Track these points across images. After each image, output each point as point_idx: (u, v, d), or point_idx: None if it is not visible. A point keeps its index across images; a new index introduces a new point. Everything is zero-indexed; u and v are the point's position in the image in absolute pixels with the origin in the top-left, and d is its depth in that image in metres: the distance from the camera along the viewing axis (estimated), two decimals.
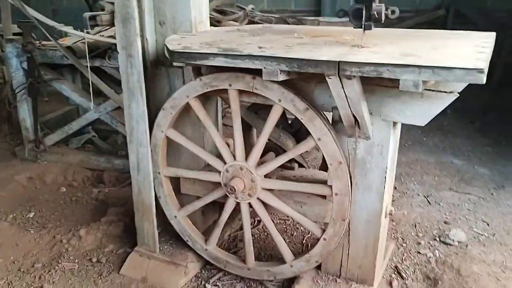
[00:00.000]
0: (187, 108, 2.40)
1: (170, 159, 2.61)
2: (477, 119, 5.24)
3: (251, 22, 4.86)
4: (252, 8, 4.91)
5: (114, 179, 3.76)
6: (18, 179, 3.76)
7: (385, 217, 2.35)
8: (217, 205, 2.78)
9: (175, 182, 2.63)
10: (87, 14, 2.50)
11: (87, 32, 3.00)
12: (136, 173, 2.54)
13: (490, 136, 4.73)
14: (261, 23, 4.84)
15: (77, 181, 3.82)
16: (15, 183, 3.71)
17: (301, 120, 2.09)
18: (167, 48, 2.12)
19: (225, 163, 2.33)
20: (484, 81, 1.52)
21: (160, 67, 2.52)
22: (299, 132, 2.62)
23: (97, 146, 4.36)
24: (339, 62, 1.70)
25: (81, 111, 4.38)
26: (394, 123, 2.11)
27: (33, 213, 3.33)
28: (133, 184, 2.59)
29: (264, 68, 1.86)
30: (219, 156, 2.38)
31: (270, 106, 2.16)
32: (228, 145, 2.39)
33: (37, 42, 3.69)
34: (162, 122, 2.40)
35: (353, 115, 1.98)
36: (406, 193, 3.59)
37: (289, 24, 4.99)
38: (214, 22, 4.44)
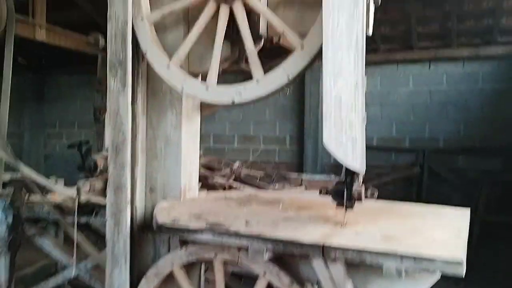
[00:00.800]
0: (170, 275, 2.37)
1: None
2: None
3: (238, 178, 5.06)
4: (239, 165, 5.15)
5: None
6: None
7: None
8: None
9: None
10: (81, 183, 2.63)
11: (78, 195, 3.07)
12: None
13: None
14: (247, 180, 5.04)
15: None
16: None
17: None
18: (156, 221, 2.17)
19: None
20: (463, 274, 1.57)
21: (147, 232, 2.55)
22: None
23: None
24: (323, 246, 1.76)
25: (60, 266, 4.24)
26: None
27: None
28: None
29: (250, 246, 1.91)
30: None
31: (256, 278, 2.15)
32: None
33: (25, 196, 3.73)
34: None
35: None
36: None
37: (273, 180, 5.20)
38: (202, 178, 4.61)
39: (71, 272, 3.65)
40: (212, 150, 8.89)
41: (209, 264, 2.45)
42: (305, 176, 5.47)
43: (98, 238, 4.05)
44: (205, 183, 4.49)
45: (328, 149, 1.86)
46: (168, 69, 2.31)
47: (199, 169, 4.86)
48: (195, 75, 2.44)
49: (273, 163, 8.80)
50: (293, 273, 2.12)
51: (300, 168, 8.41)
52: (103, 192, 2.84)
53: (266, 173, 5.45)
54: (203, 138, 9.22)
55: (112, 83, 2.36)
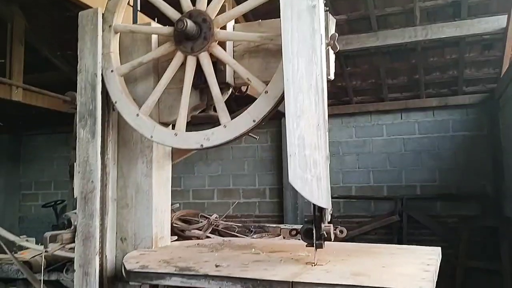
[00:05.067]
0: None
1: None
2: None
3: (215, 230, 5.00)
4: (216, 218, 5.11)
5: None
6: None
7: None
8: None
9: None
10: (48, 234, 2.58)
11: (46, 251, 3.01)
12: None
13: None
14: (225, 232, 4.99)
15: None
16: None
17: None
18: (124, 268, 2.13)
19: None
20: None
21: (118, 283, 2.49)
22: None
23: None
24: (292, 282, 1.75)
25: None
26: None
27: None
28: None
29: None
30: None
31: None
32: None
33: None
34: None
35: None
36: None
37: (252, 231, 5.15)
38: (178, 232, 4.54)
39: None
40: (192, 205, 8.81)
41: None
42: (283, 226, 5.44)
43: None
44: (182, 236, 4.43)
45: (294, 187, 1.89)
46: (138, 118, 2.36)
47: (176, 222, 4.83)
48: (165, 125, 2.49)
49: (254, 216, 8.75)
50: None
51: (281, 221, 8.38)
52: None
53: (244, 225, 5.40)
54: (182, 193, 9.22)
55: (81, 133, 2.39)
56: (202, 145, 2.22)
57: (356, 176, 8.30)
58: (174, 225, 4.79)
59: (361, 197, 8.20)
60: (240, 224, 5.19)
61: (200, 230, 4.87)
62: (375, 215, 8.03)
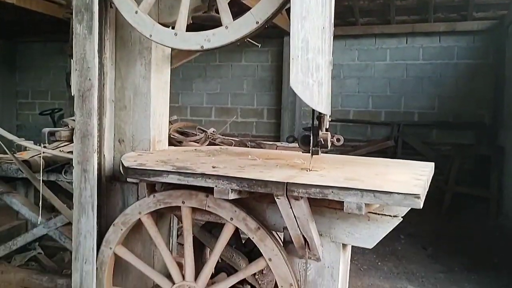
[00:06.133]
0: (138, 225, 2.37)
1: (116, 278, 2.50)
2: (430, 245, 5.35)
3: (212, 144, 5.04)
4: (213, 131, 5.13)
5: None
6: None
7: None
8: None
9: None
10: (46, 130, 2.57)
11: (45, 147, 3.04)
12: None
13: (443, 262, 4.79)
14: (222, 145, 5.02)
15: None
16: None
17: (252, 240, 2.10)
18: (122, 165, 2.16)
19: (173, 283, 2.25)
20: (421, 206, 1.61)
21: (115, 182, 2.54)
22: (253, 252, 2.60)
23: (41, 264, 4.11)
24: (286, 183, 1.78)
25: (30, 226, 4.21)
26: (344, 245, 2.15)
27: None
28: None
29: (216, 186, 1.92)
30: (169, 276, 2.30)
31: (223, 225, 2.17)
32: (181, 265, 2.33)
33: None
34: (112, 238, 2.34)
35: (303, 236, 2.01)
36: None
37: (248, 147, 5.20)
38: (176, 143, 4.58)
39: (40, 231, 3.62)
40: (189, 122, 8.84)
41: (180, 217, 2.46)
42: (280, 144, 5.49)
43: (69, 198, 4.02)
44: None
45: (295, 92, 1.86)
46: (137, 15, 2.26)
47: (173, 134, 4.85)
48: (165, 26, 2.40)
49: (250, 136, 8.82)
50: (260, 219, 2.15)
51: (277, 142, 8.45)
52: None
53: (241, 141, 5.45)
54: (180, 110, 9.22)
55: (78, 28, 2.31)
56: (202, 46, 2.16)
57: (355, 100, 8.26)
58: (171, 136, 4.82)
59: (358, 121, 8.22)
60: (237, 139, 5.23)
61: (197, 142, 4.92)
62: (371, 140, 8.10)
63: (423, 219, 5.98)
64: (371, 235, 2.05)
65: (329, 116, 2.06)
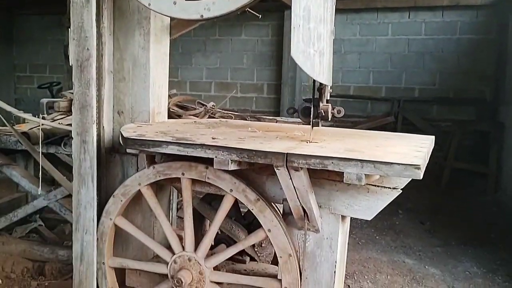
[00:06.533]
0: (138, 196, 2.38)
1: (117, 248, 2.52)
2: (428, 219, 5.39)
3: (211, 117, 5.03)
4: (213, 105, 5.10)
5: (57, 271, 3.53)
6: None
7: None
8: None
9: (120, 273, 2.51)
10: (44, 100, 2.55)
11: (43, 118, 3.02)
12: (78, 263, 2.42)
13: (440, 236, 4.83)
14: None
15: (16, 273, 3.55)
16: None
17: (252, 211, 2.11)
18: (122, 135, 2.15)
19: (173, 253, 2.27)
20: (421, 177, 1.61)
21: (115, 154, 2.54)
22: (252, 225, 2.62)
23: (42, 236, 4.15)
24: (287, 154, 1.77)
25: (30, 198, 4.23)
26: (343, 217, 2.16)
27: None
28: (74, 275, 2.45)
29: (216, 157, 1.91)
30: (168, 247, 2.32)
31: (223, 197, 2.18)
32: (181, 237, 2.35)
33: None
34: (112, 209, 2.35)
35: (302, 207, 2.02)
36: None
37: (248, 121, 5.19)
38: (175, 117, 4.56)
39: (41, 203, 3.64)
40: (189, 96, 8.80)
41: (179, 189, 2.46)
42: (280, 118, 5.48)
43: (68, 170, 4.03)
44: None
45: (296, 62, 1.84)
46: None
47: (172, 108, 4.83)
48: None
49: (250, 111, 8.78)
50: (260, 191, 2.15)
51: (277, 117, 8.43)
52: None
53: (240, 115, 5.43)
54: (179, 84, 9.16)
55: None
56: (202, 16, 2.12)
57: (356, 75, 8.19)
58: (171, 110, 4.80)
59: (358, 97, 8.18)
60: (237, 113, 5.21)
61: (197, 116, 4.90)
62: (371, 116, 8.07)
63: (422, 194, 6.01)
64: (370, 206, 2.06)
65: (330, 88, 2.04)
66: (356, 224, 4.89)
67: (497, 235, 4.91)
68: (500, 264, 4.12)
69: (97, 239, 2.37)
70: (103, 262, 2.40)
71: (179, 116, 4.64)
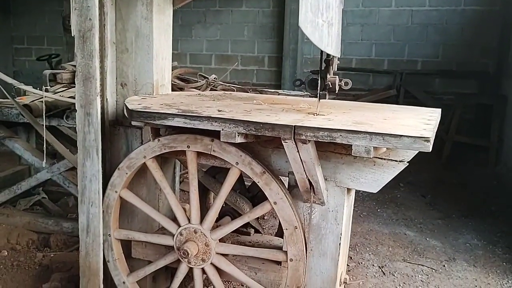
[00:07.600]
0: (143, 169, 2.37)
1: (122, 221, 2.53)
2: (429, 193, 5.42)
3: (213, 90, 4.98)
4: (215, 78, 5.06)
5: (62, 243, 3.57)
6: None
7: (340, 285, 2.33)
8: (169, 271, 2.68)
9: (126, 245, 2.53)
10: (47, 72, 2.51)
11: (46, 90, 2.99)
12: (85, 235, 2.43)
13: (441, 209, 4.88)
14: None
15: (21, 245, 3.60)
16: None
17: (258, 184, 2.10)
18: (127, 107, 2.13)
19: (179, 225, 2.28)
20: (430, 149, 1.60)
21: (119, 127, 2.52)
22: (256, 198, 2.62)
23: (46, 208, 4.18)
24: (294, 126, 1.76)
25: (33, 171, 4.24)
26: (348, 190, 2.16)
27: None
28: (80, 247, 2.47)
29: (222, 130, 1.90)
30: (174, 219, 2.33)
31: (228, 170, 2.17)
32: (185, 210, 2.36)
33: None
34: (117, 182, 2.35)
35: (308, 180, 2.02)
36: (361, 263, 3.58)
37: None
38: (177, 89, 4.52)
39: (44, 175, 3.65)
40: (190, 69, 8.72)
41: (184, 162, 2.46)
42: (282, 91, 5.43)
43: (70, 143, 4.02)
44: None
45: (304, 32, 1.80)
46: None
47: (174, 80, 4.78)
48: None
49: (251, 84, 8.71)
50: (266, 164, 2.15)
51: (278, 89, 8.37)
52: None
53: (242, 88, 5.38)
54: (179, 57, 9.06)
55: None
56: None
57: (358, 48, 8.10)
58: (172, 83, 4.75)
59: (360, 70, 8.11)
60: (238, 86, 5.17)
61: (199, 89, 4.85)
62: (373, 89, 8.02)
63: (423, 168, 6.03)
64: (376, 179, 2.06)
65: (338, 59, 2.01)
66: (358, 197, 4.92)
67: (497, 207, 4.95)
68: (500, 236, 4.17)
69: (103, 211, 2.38)
70: (109, 234, 2.41)
71: (181, 89, 4.60)
